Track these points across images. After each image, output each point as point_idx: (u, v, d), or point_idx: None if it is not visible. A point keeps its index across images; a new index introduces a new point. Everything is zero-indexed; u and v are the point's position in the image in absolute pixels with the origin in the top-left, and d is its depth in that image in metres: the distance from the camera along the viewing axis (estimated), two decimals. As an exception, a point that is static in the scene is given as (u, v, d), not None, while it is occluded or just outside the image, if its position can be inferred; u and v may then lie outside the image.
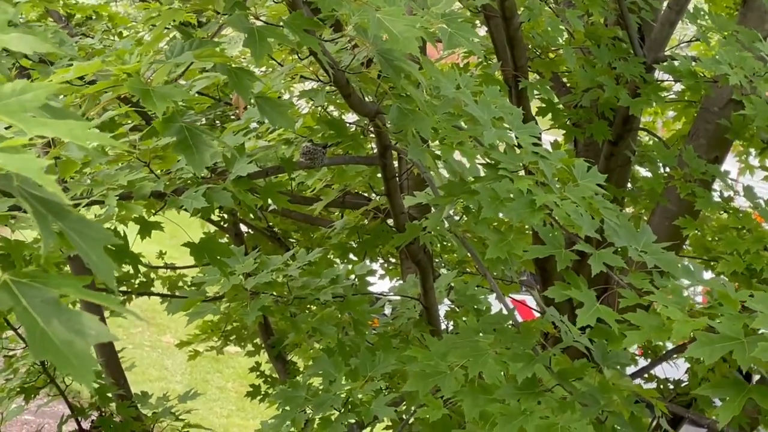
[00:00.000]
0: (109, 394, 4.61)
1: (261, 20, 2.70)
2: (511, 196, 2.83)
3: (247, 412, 11.29)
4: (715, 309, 2.63)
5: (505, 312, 3.32)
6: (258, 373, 6.35)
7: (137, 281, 6.17)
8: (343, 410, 3.57)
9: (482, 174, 3.03)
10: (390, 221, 5.11)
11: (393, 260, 6.02)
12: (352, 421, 3.66)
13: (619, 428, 2.89)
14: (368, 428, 4.06)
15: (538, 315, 5.29)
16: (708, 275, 4.31)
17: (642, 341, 2.61)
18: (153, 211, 3.19)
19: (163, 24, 2.70)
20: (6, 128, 1.30)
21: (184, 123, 2.41)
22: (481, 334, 3.15)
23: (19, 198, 1.24)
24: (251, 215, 5.93)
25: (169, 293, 6.16)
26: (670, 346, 5.71)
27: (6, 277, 1.14)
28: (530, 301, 6.37)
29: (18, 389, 4.37)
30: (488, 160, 2.97)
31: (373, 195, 5.31)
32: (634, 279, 2.82)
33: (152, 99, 2.20)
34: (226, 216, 5.95)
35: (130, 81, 2.24)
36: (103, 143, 1.19)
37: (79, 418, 4.63)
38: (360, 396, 3.59)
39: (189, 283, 5.98)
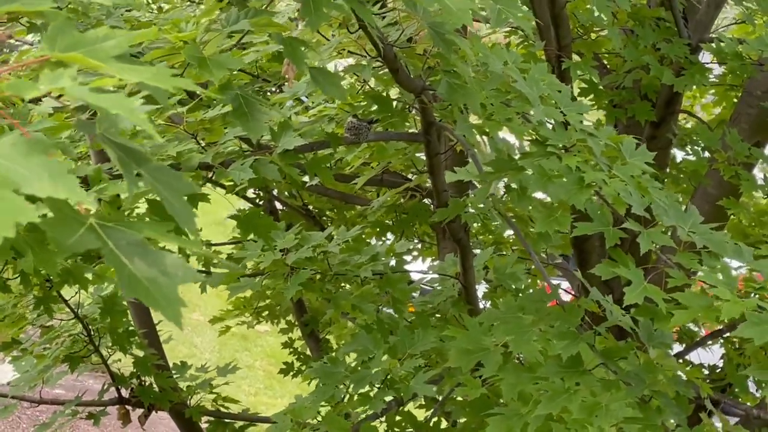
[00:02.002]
0: (149, 364, 4.64)
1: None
2: (559, 173, 2.82)
3: (275, 390, 11.34)
4: (765, 290, 2.62)
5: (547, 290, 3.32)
6: (291, 350, 6.37)
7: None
8: (382, 387, 3.57)
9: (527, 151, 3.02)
10: (427, 200, 5.12)
11: (428, 240, 6.01)
12: (390, 398, 3.67)
13: (664, 408, 2.88)
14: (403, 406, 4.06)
15: (568, 298, 5.28)
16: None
17: (690, 320, 2.60)
18: (199, 184, 3.19)
19: (214, -6, 2.70)
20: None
21: (239, 92, 2.42)
22: (523, 314, 3.15)
23: (102, 145, 1.25)
24: (286, 192, 5.93)
25: (204, 269, 6.18)
26: (703, 332, 5.70)
27: (92, 220, 1.15)
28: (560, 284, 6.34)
29: (63, 357, 4.42)
30: (536, 137, 2.96)
31: (411, 174, 5.31)
32: (683, 259, 2.80)
33: (209, 67, 2.20)
34: (261, 193, 5.96)
35: (187, 48, 2.25)
36: (187, 88, 1.19)
37: (120, 387, 4.66)
38: (399, 373, 3.59)
39: (224, 260, 5.98)
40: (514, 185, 3.25)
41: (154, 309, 1.12)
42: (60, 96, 1.13)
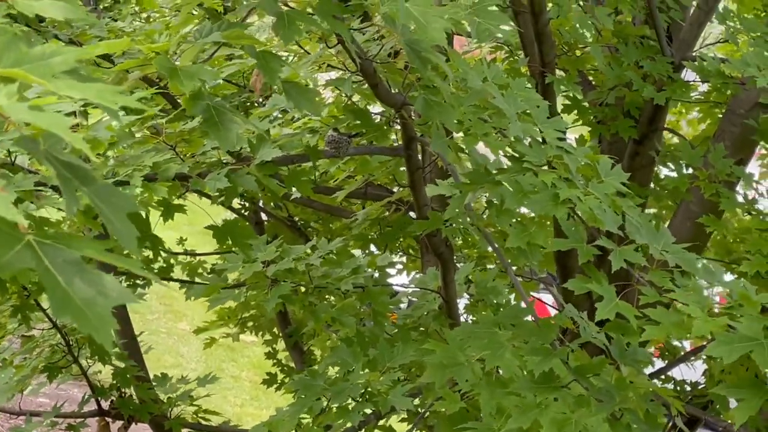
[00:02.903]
0: (128, 376, 4.63)
1: (289, 5, 2.71)
2: (535, 189, 2.84)
3: (261, 401, 11.32)
4: (735, 310, 2.63)
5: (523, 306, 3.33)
6: (274, 361, 6.37)
7: (157, 266, 6.18)
8: (360, 399, 3.58)
9: (506, 167, 3.03)
10: (412, 214, 5.12)
11: (412, 253, 6.02)
12: (369, 411, 3.67)
13: (635, 426, 2.89)
14: (384, 419, 4.06)
15: (554, 312, 5.29)
16: (729, 277, 4.29)
17: (661, 337, 2.61)
18: (177, 194, 3.20)
19: (190, 6, 2.71)
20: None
21: (210, 102, 2.42)
22: (499, 329, 3.15)
23: (44, 162, 1.25)
24: (272, 204, 5.94)
25: (188, 279, 6.18)
26: (687, 347, 5.71)
27: (30, 237, 1.15)
28: (546, 298, 6.37)
29: (42, 367, 4.40)
30: (513, 153, 2.97)
31: (395, 187, 5.32)
32: (655, 277, 2.82)
33: (180, 77, 2.21)
34: (246, 204, 5.96)
35: (158, 59, 2.25)
36: (129, 105, 1.20)
37: (99, 399, 4.65)
38: (378, 386, 3.60)
39: (209, 270, 5.99)
40: (495, 200, 3.27)
41: (85, 330, 1.11)
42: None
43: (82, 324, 1.11)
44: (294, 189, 3.77)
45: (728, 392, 2.67)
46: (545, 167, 2.92)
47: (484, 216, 3.92)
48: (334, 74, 4.18)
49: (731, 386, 2.64)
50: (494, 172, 3.03)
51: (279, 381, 6.18)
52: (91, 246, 1.17)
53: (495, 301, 4.32)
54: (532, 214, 3.60)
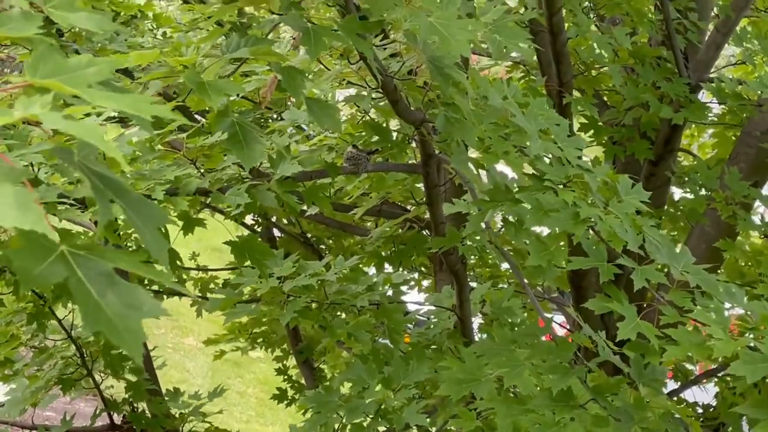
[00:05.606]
0: (142, 389, 4.62)
1: (312, 22, 2.72)
2: (555, 207, 2.83)
3: (267, 418, 11.29)
4: (758, 331, 2.63)
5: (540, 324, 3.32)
6: (285, 377, 6.35)
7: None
8: (375, 416, 3.57)
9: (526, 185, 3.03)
10: (425, 232, 5.13)
11: (425, 271, 6.01)
12: (383, 429, 3.66)
13: (654, 446, 2.88)
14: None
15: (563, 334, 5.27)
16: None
17: (682, 356, 2.61)
18: (197, 208, 3.21)
19: (215, 18, 2.72)
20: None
21: (236, 119, 2.43)
22: (515, 347, 3.15)
23: (78, 172, 1.25)
24: (284, 220, 5.94)
25: (200, 295, 6.18)
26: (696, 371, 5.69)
27: (64, 248, 1.14)
28: (556, 318, 6.34)
29: (56, 379, 4.38)
30: (533, 171, 2.97)
31: (410, 205, 5.32)
32: (675, 297, 2.81)
33: (208, 91, 2.22)
34: (259, 220, 5.96)
35: (187, 72, 2.26)
36: (162, 115, 1.20)
37: (112, 413, 4.64)
38: (393, 403, 3.59)
39: (221, 285, 5.98)
40: (511, 218, 3.27)
41: (116, 343, 1.11)
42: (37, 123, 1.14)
43: (113, 337, 1.11)
44: (307, 205, 3.77)
45: (749, 411, 2.67)
46: (566, 186, 2.92)
47: (500, 233, 3.91)
48: (351, 92, 4.19)
49: (752, 405, 2.64)
50: (515, 189, 3.03)
51: (289, 397, 6.16)
52: (125, 258, 1.17)
53: (510, 321, 4.31)
54: (547, 233, 3.60)
